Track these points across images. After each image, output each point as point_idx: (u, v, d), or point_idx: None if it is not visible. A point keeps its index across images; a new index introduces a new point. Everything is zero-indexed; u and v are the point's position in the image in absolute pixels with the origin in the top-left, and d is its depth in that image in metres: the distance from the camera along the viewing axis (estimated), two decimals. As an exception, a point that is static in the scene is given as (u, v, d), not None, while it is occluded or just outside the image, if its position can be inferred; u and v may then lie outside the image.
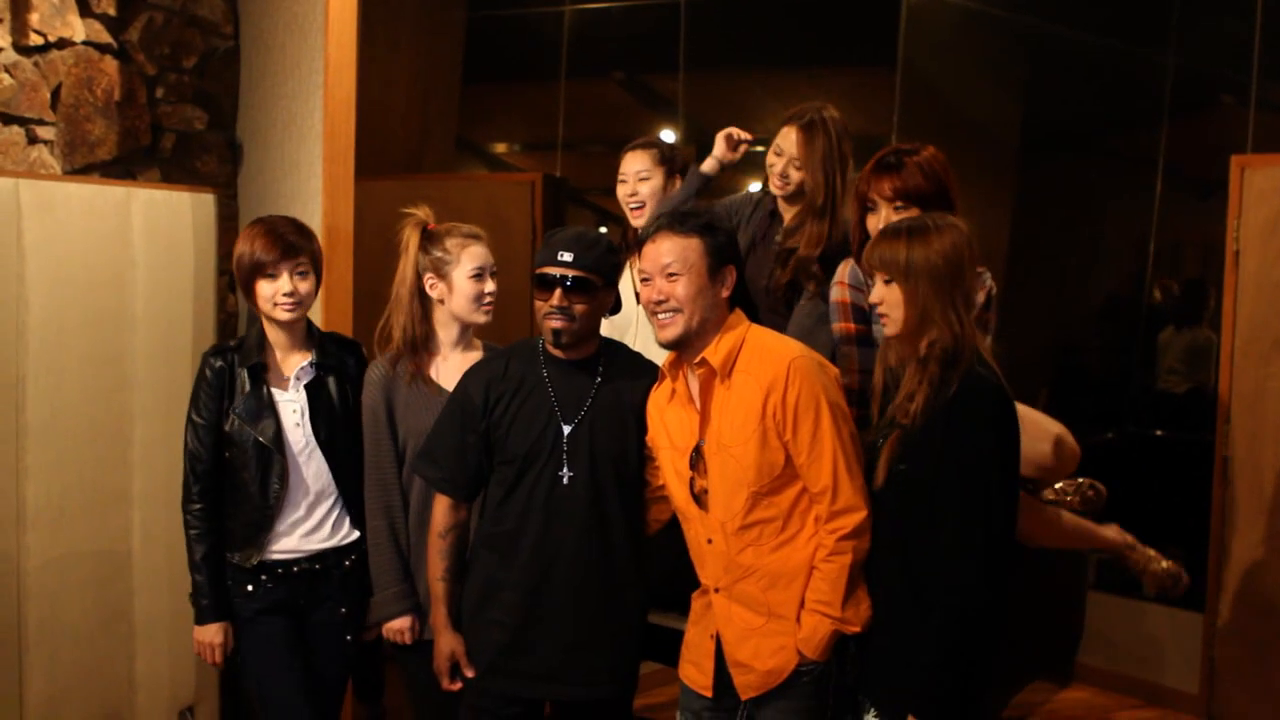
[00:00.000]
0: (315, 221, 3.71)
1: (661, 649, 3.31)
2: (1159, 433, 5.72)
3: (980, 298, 3.10)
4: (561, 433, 2.98)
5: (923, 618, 2.59)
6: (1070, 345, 6.42)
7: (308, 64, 3.96)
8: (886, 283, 2.68)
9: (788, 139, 3.55)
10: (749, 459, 2.75)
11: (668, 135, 6.84)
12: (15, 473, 3.43)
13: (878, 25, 6.01)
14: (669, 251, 2.81)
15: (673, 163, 3.84)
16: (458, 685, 3.08)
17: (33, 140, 3.69)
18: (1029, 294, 6.19)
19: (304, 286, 3.18)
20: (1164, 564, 3.73)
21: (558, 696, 3.07)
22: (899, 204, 3.07)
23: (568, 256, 2.92)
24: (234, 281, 4.24)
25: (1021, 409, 2.82)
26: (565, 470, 2.97)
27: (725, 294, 2.85)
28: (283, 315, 3.17)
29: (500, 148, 7.92)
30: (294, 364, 3.25)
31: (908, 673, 2.62)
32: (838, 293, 3.30)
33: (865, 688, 2.77)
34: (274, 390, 3.22)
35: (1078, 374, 6.36)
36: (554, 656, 3.00)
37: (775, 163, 3.58)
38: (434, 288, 3.26)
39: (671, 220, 2.87)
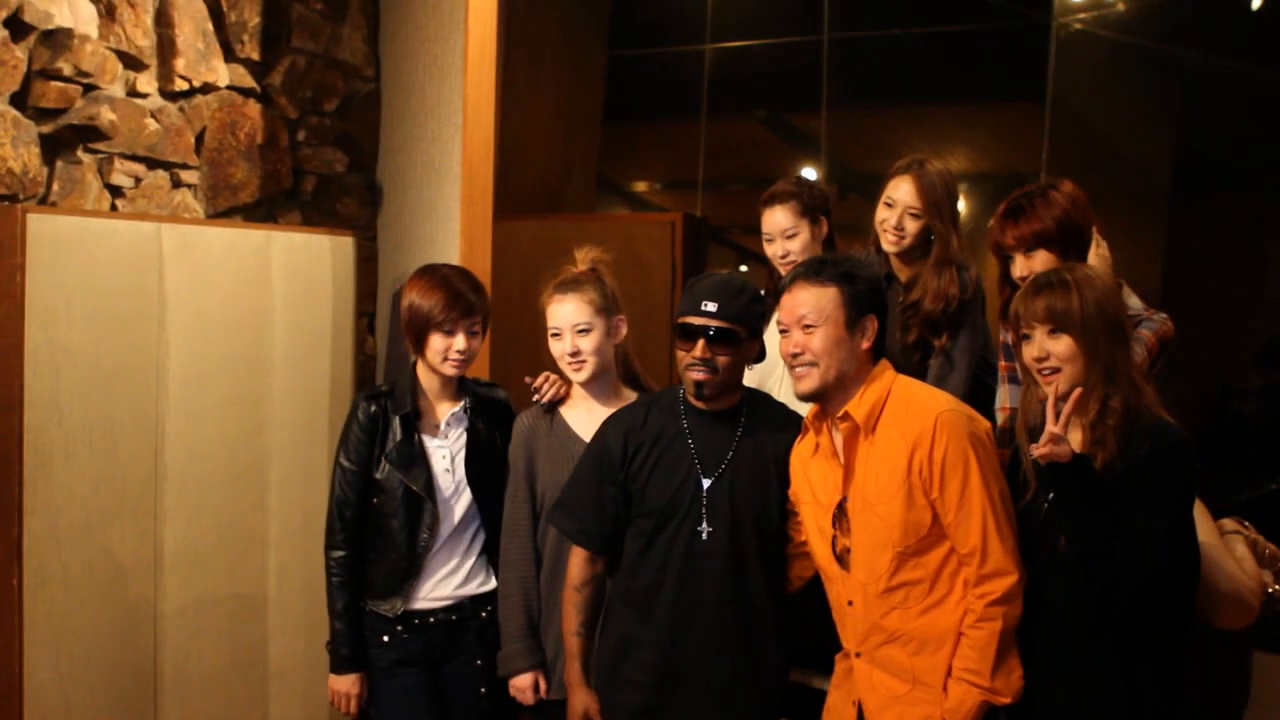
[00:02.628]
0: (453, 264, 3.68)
1: (800, 708, 3.19)
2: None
3: (1142, 346, 2.92)
4: (701, 486, 2.88)
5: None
6: (1230, 390, 6.13)
7: (446, 105, 3.95)
8: (1052, 333, 2.53)
9: (899, 188, 3.41)
10: (894, 518, 2.62)
11: (809, 173, 6.73)
12: (154, 516, 3.42)
13: (1026, 60, 5.86)
14: (805, 302, 2.70)
15: (816, 207, 3.62)
16: None
17: (176, 184, 3.71)
18: (1184, 336, 5.94)
19: (475, 344, 3.20)
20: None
21: None
22: (1026, 250, 2.95)
23: (711, 307, 2.81)
24: (372, 324, 4.25)
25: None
26: (704, 525, 2.87)
27: (866, 345, 2.72)
28: (451, 370, 3.20)
29: (641, 186, 7.90)
30: (444, 411, 3.26)
31: None
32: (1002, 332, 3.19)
33: None
34: (424, 437, 3.21)
35: (1238, 421, 6.05)
36: (691, 717, 2.88)
37: (888, 216, 3.44)
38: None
39: (809, 269, 2.75)
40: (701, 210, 6.75)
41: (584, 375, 3.15)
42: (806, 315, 2.69)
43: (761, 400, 3.05)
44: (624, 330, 3.20)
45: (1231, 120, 5.95)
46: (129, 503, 3.37)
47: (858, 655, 2.75)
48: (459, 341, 3.15)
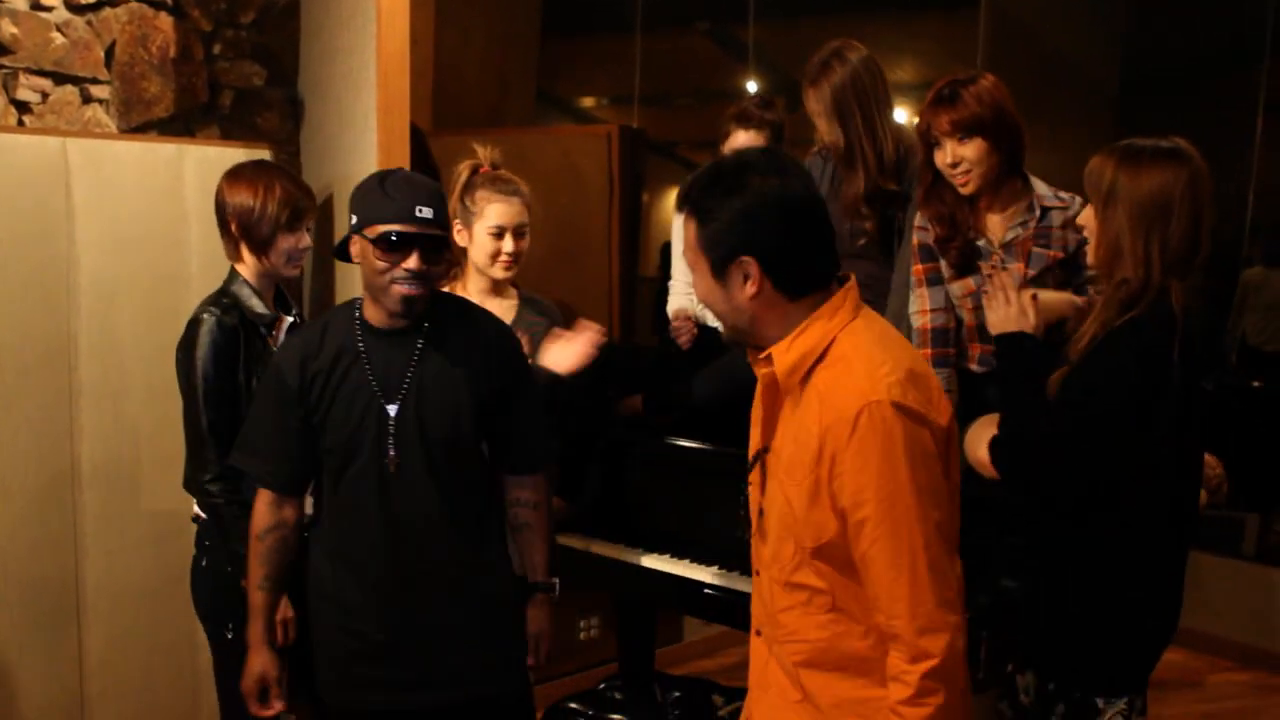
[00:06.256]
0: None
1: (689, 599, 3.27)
2: (1256, 384, 5.45)
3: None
4: (386, 414, 2.59)
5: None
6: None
7: (362, 15, 3.88)
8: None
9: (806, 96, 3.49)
10: (800, 506, 2.04)
11: (751, 86, 6.69)
12: (70, 433, 3.42)
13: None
14: (680, 234, 2.22)
15: (778, 138, 3.75)
16: (269, 712, 2.74)
17: (87, 99, 3.66)
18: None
19: (309, 241, 3.15)
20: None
21: (430, 704, 2.71)
22: (960, 136, 2.95)
23: (427, 212, 2.48)
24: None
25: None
26: (393, 456, 2.59)
27: (750, 292, 2.02)
28: (294, 271, 3.13)
29: (589, 102, 7.82)
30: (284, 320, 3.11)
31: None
32: (915, 235, 3.19)
33: (1021, 658, 2.58)
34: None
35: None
36: (418, 660, 2.68)
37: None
38: (460, 234, 3.20)
39: (681, 189, 2.13)
40: (639, 123, 6.69)
41: (511, 275, 3.25)
42: (685, 252, 2.12)
43: (444, 302, 2.75)
44: None
45: (1178, 28, 5.93)
46: (44, 420, 3.36)
47: (759, 633, 2.28)
48: (305, 239, 3.07)
